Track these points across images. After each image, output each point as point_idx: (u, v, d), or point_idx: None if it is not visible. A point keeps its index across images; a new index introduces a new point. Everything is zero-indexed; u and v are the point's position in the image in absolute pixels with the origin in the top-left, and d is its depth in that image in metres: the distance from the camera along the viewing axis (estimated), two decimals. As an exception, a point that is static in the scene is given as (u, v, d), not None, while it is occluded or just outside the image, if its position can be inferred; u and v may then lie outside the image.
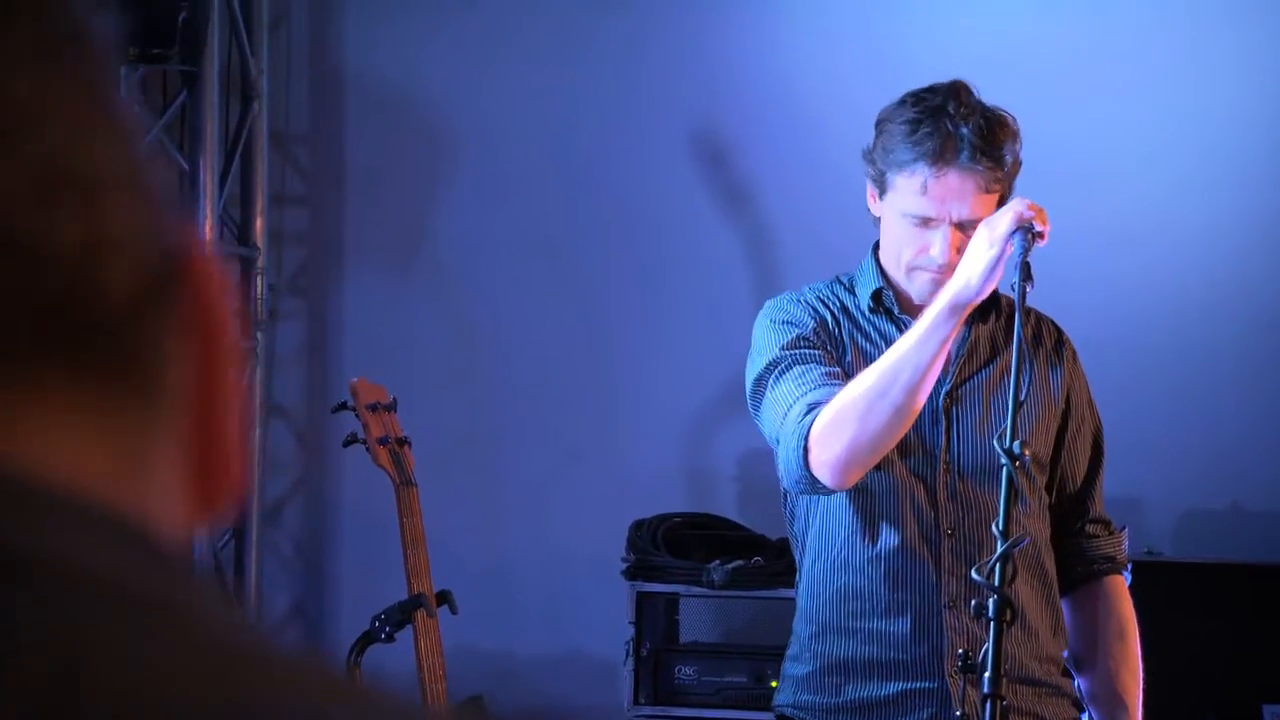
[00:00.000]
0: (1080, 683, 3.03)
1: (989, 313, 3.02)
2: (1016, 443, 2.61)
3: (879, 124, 2.96)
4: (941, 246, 2.89)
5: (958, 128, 2.87)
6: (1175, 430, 4.76)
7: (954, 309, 2.77)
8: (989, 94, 2.94)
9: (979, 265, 2.75)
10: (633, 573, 4.39)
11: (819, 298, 3.04)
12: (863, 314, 3.01)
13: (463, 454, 4.93)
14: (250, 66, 5.02)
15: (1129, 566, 3.10)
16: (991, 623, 2.52)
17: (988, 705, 2.49)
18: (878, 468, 2.89)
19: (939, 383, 2.91)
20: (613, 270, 5.00)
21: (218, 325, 0.56)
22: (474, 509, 4.92)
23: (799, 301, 3.03)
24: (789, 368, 2.93)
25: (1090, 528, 3.06)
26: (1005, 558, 2.54)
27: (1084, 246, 4.57)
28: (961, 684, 2.80)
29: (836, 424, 2.80)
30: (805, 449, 2.83)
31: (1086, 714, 3.02)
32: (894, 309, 2.99)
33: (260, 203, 5.05)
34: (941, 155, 2.86)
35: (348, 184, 5.15)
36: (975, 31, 4.79)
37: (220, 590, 0.53)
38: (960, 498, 2.93)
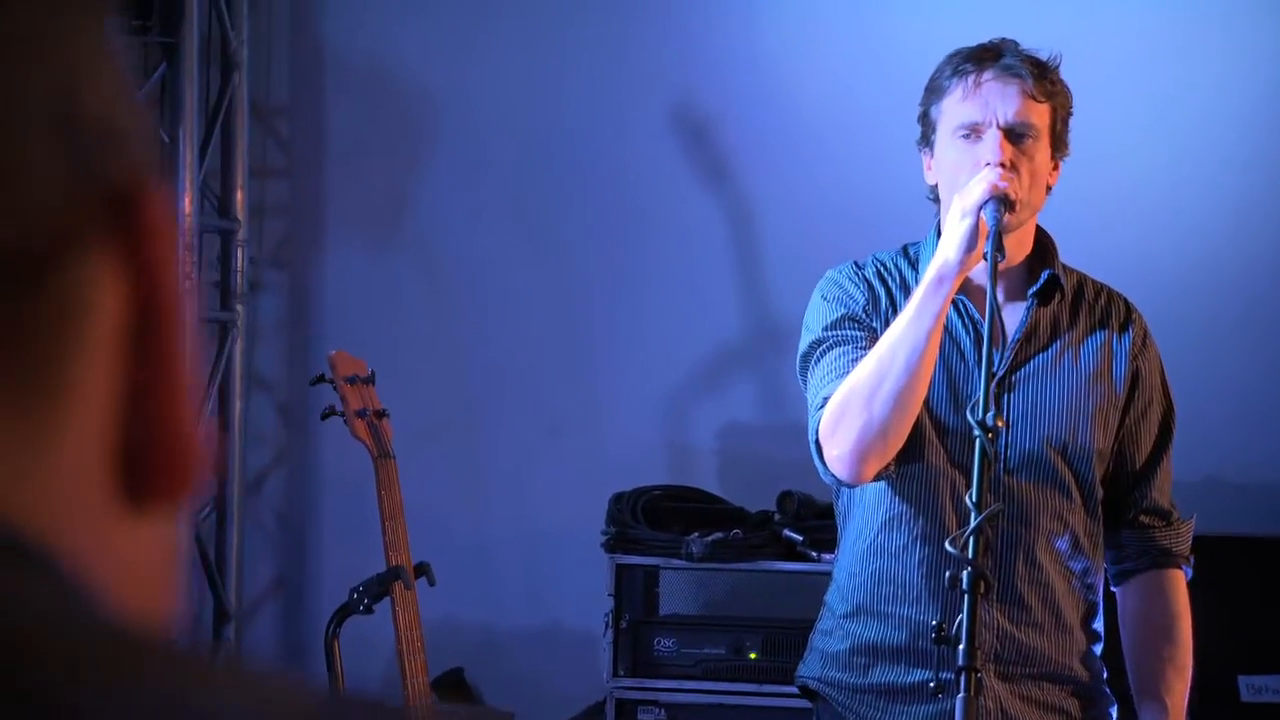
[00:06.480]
0: (1130, 678, 2.94)
1: (1050, 295, 2.93)
2: (989, 415, 2.61)
3: (926, 89, 2.92)
4: (991, 145, 2.79)
5: (996, 46, 2.87)
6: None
7: (939, 281, 2.73)
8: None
9: (955, 235, 2.73)
10: (612, 545, 4.39)
11: (879, 270, 2.94)
12: None
13: (444, 426, 4.92)
14: (230, 37, 4.99)
15: (1190, 561, 2.97)
16: (966, 595, 2.52)
17: (962, 677, 2.50)
18: (919, 455, 2.81)
19: (990, 366, 2.82)
20: (594, 243, 5.00)
21: (160, 270, 0.49)
22: (455, 481, 4.92)
23: (855, 275, 2.93)
24: (828, 350, 2.85)
25: (1145, 518, 2.96)
26: (978, 530, 2.54)
27: (1071, 220, 4.56)
28: (982, 676, 2.77)
29: (842, 417, 2.73)
30: (819, 445, 2.78)
31: (1114, 707, 2.96)
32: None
33: (241, 175, 5.03)
34: (981, 60, 2.84)
35: (329, 156, 5.14)
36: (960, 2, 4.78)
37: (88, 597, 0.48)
38: (1004, 489, 2.82)
